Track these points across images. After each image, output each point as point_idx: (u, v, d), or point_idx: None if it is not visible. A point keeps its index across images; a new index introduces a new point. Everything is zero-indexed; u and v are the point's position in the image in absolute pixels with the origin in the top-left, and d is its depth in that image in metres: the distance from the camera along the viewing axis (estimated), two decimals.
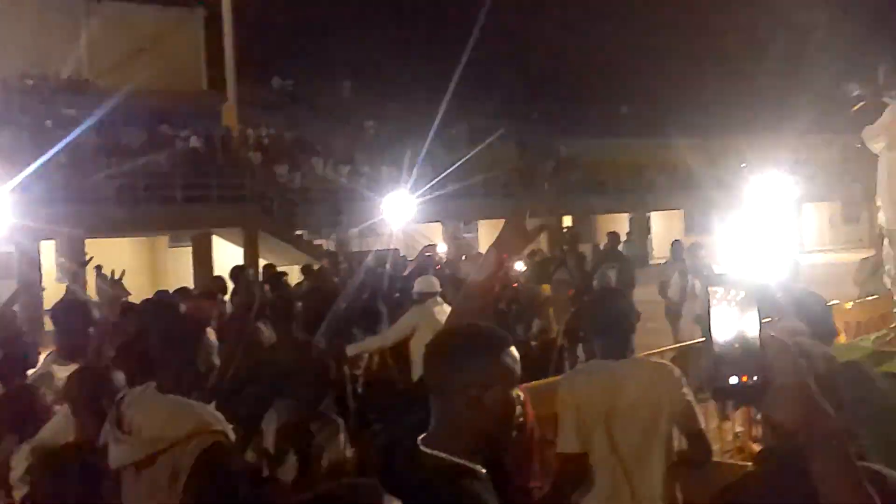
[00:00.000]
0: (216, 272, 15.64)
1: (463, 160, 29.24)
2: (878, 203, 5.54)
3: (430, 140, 29.20)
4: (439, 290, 6.66)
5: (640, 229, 33.41)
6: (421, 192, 23.29)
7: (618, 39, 37.49)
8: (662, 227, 35.48)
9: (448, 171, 27.87)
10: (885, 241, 5.30)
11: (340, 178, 25.10)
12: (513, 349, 1.95)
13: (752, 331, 1.38)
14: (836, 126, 31.01)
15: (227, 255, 20.91)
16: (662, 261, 13.51)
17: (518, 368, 1.94)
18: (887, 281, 5.35)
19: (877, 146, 5.05)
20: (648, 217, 34.70)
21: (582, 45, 37.23)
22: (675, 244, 10.86)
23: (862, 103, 5.30)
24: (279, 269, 10.97)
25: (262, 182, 22.98)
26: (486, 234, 31.94)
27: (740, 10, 36.80)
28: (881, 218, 5.32)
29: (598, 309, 3.66)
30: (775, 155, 28.69)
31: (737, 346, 1.39)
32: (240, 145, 24.71)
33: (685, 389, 3.28)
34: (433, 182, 25.91)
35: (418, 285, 6.75)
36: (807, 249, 34.96)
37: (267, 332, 5.60)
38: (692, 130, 33.00)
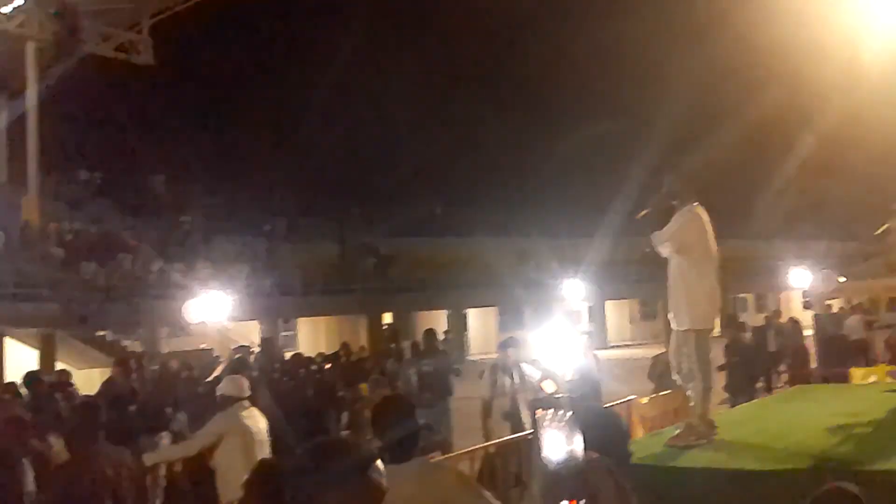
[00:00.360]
0: (7, 378, 14.37)
1: (281, 257, 28.99)
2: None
3: (246, 236, 28.79)
4: (246, 393, 6.28)
5: (458, 326, 34.14)
6: (237, 289, 22.68)
7: (434, 139, 38.97)
8: (479, 323, 36.45)
9: (265, 267, 27.48)
10: (673, 339, 5.68)
11: (150, 276, 24.05)
12: (379, 462, 1.93)
13: (577, 453, 1.43)
14: (636, 229, 33.47)
15: (19, 358, 19.32)
16: (480, 357, 13.88)
17: (385, 482, 1.92)
18: (676, 377, 5.72)
19: (665, 251, 5.43)
20: (465, 314, 35.56)
21: (401, 144, 38.43)
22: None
23: (647, 210, 5.68)
24: (80, 372, 10.26)
25: (64, 280, 21.62)
26: (306, 332, 31.46)
27: (549, 119, 39.40)
28: (669, 317, 5.70)
29: (378, 414, 3.67)
30: (582, 255, 30.44)
31: (565, 467, 1.42)
32: (40, 240, 23.24)
33: (473, 492, 3.26)
34: (250, 279, 25.40)
35: (222, 388, 6.32)
36: (609, 344, 36.99)
37: (57, 447, 5.17)
38: (506, 231, 34.50)
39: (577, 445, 1.46)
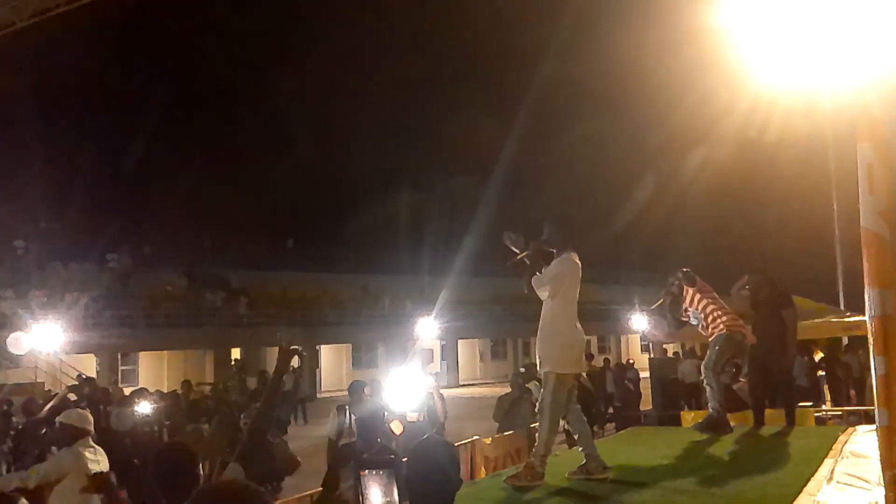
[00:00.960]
0: None
1: (123, 287, 27.67)
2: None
3: (86, 263, 27.32)
4: (90, 427, 5.78)
5: (310, 363, 33.57)
6: (72, 320, 21.45)
7: (288, 171, 38.58)
8: (331, 360, 36.00)
9: (106, 297, 26.13)
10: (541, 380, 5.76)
11: None
12: None
13: None
14: (488, 270, 34.29)
15: None
16: (332, 394, 13.67)
17: None
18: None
19: (543, 294, 5.57)
20: (318, 350, 35.07)
21: (254, 175, 37.76)
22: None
23: (523, 254, 5.84)
24: None
25: None
26: (147, 366, 30.06)
27: (404, 162, 39.86)
28: (536, 356, 5.79)
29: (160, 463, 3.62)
30: (434, 294, 30.77)
31: None
32: None
33: None
34: (88, 309, 24.08)
35: (65, 418, 5.80)
36: (460, 382, 37.47)
37: None
38: (357, 267, 34.44)
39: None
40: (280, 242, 36.35)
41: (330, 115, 38.73)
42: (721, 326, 7.33)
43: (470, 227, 30.09)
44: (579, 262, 5.63)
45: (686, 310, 7.60)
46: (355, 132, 36.71)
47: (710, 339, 7.47)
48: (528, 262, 5.90)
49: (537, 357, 5.65)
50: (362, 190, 39.86)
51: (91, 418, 5.99)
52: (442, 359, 39.26)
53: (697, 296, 7.44)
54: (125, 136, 35.18)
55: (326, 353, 35.97)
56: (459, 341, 39.82)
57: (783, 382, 8.63)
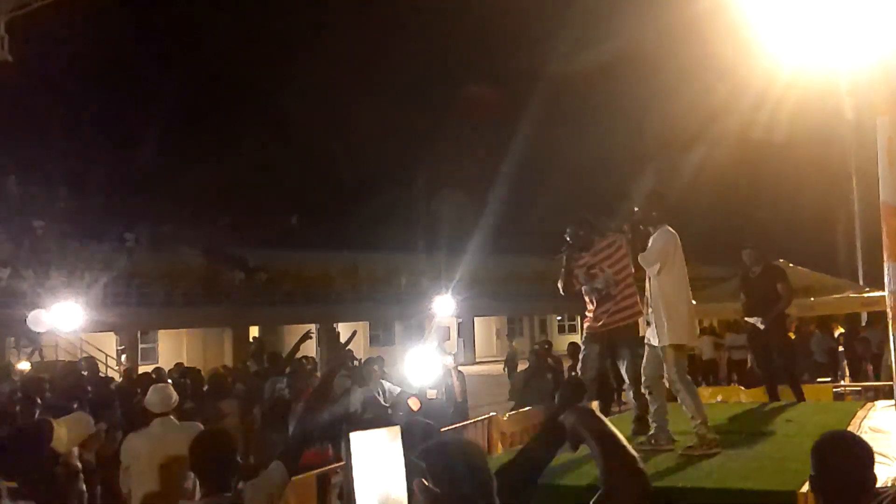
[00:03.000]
0: None
1: (142, 266, 27.84)
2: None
3: (105, 243, 27.50)
4: (173, 406, 5.54)
5: (328, 340, 33.73)
6: (92, 299, 21.65)
7: (306, 148, 38.59)
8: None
9: (125, 276, 26.33)
10: (648, 354, 5.81)
11: (0, 282, 22.63)
12: None
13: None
14: (503, 247, 34.25)
15: None
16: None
17: None
18: (646, 391, 5.86)
19: (653, 270, 5.62)
20: (336, 329, 35.21)
21: (271, 154, 37.79)
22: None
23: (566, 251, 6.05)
24: None
25: None
26: (167, 344, 30.35)
27: (423, 139, 39.75)
28: (648, 333, 5.81)
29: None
30: (451, 272, 30.81)
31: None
32: None
33: None
34: (107, 288, 24.28)
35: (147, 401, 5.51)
36: (476, 360, 37.59)
37: None
38: (375, 246, 34.47)
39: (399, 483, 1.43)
40: (299, 220, 36.41)
41: (346, 92, 38.62)
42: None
43: (486, 205, 30.08)
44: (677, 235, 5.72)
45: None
46: (373, 109, 36.61)
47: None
48: (566, 257, 6.30)
49: (651, 333, 5.66)
50: (379, 167, 39.82)
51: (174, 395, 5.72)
52: (458, 336, 39.38)
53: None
54: (143, 116, 35.29)
55: (344, 331, 36.13)
56: (476, 319, 39.91)
57: (785, 359, 8.63)
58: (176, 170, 33.53)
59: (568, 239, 6.38)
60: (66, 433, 3.75)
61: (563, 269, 6.46)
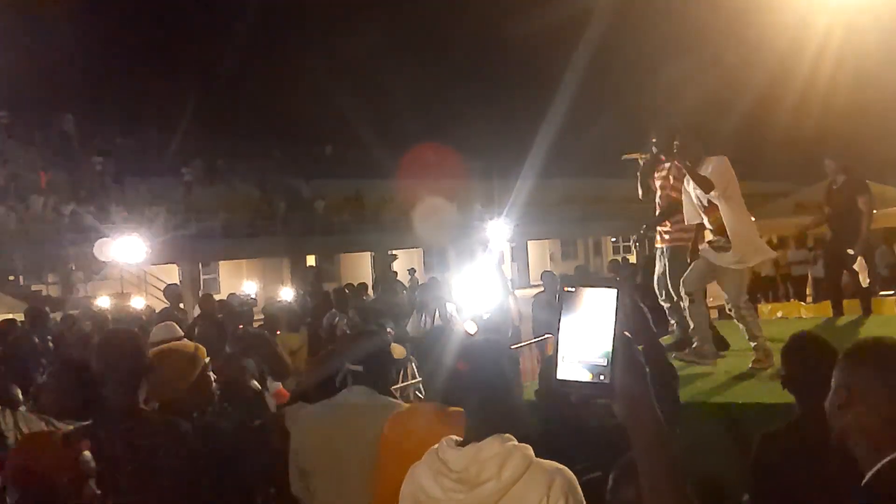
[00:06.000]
0: None
1: (199, 199, 28.36)
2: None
3: (163, 178, 28.01)
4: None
5: (383, 267, 34.13)
6: (154, 232, 22.15)
7: (358, 77, 38.40)
8: (404, 264, 36.52)
9: (183, 209, 26.87)
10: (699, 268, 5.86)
11: (63, 218, 23.27)
12: None
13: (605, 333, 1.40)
14: (554, 170, 33.92)
15: None
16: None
17: None
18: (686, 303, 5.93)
19: (715, 195, 5.62)
20: (391, 255, 35.58)
21: (325, 84, 37.70)
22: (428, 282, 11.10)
23: (637, 154, 6.02)
24: None
25: None
26: (227, 275, 31.04)
27: (473, 61, 39.18)
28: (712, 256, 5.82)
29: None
30: (503, 197, 30.71)
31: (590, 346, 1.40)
32: None
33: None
34: (167, 222, 24.81)
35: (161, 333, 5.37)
36: (531, 283, 37.69)
37: None
38: (427, 172, 34.42)
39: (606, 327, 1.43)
40: (353, 149, 36.47)
41: (400, 14, 38.11)
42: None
43: (540, 128, 29.67)
44: None
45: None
46: (424, 33, 36.13)
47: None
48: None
49: (712, 256, 5.67)
50: (430, 95, 39.46)
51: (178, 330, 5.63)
52: (512, 260, 39.46)
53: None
54: (195, 52, 35.42)
55: (401, 257, 36.49)
56: (529, 242, 39.86)
57: (850, 271, 8.54)
58: (228, 103, 33.75)
59: (654, 142, 6.36)
60: None
61: (640, 172, 6.53)
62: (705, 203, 5.68)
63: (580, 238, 43.14)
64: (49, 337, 8.71)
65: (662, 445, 1.42)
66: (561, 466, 2.27)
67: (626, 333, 1.41)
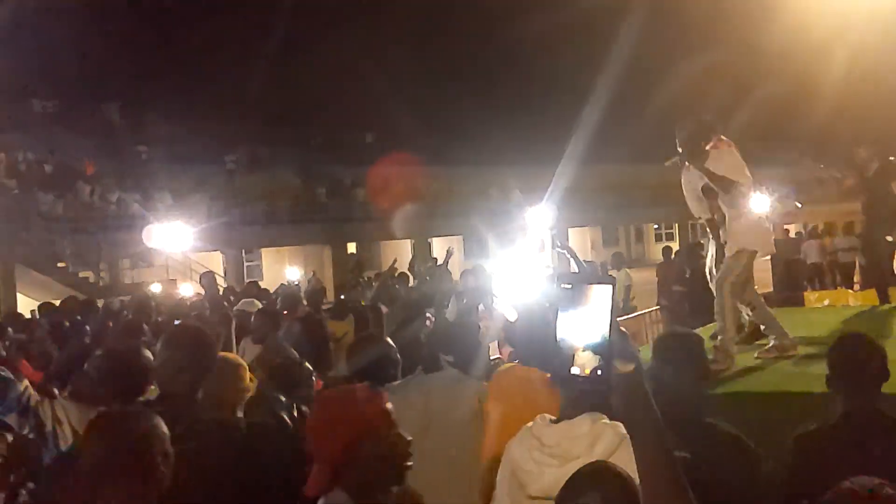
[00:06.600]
0: None
1: (242, 186, 28.67)
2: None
3: (206, 166, 28.36)
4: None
5: (423, 254, 34.21)
6: (198, 219, 22.44)
7: (397, 68, 38.39)
8: (442, 252, 36.56)
9: (227, 197, 27.19)
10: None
11: (109, 206, 23.70)
12: None
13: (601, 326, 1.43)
14: (594, 157, 33.63)
15: None
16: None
17: None
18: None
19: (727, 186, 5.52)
20: (430, 243, 35.64)
21: (363, 72, 37.78)
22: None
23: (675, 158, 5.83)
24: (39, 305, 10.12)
25: (18, 210, 21.22)
26: (270, 262, 31.37)
27: (508, 50, 38.95)
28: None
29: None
30: (543, 184, 30.52)
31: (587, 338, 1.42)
32: None
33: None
34: (211, 209, 25.13)
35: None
36: (571, 271, 37.43)
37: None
38: (467, 159, 34.40)
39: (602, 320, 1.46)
40: (392, 136, 36.56)
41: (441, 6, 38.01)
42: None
43: (580, 114, 29.42)
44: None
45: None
46: (469, 20, 35.97)
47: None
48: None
49: (729, 244, 5.57)
50: (470, 82, 39.38)
51: None
52: (552, 247, 39.23)
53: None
54: (238, 42, 35.73)
55: (438, 245, 36.54)
56: (570, 229, 39.61)
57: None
58: (272, 93, 33.99)
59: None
60: None
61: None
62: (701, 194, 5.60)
63: (621, 225, 42.78)
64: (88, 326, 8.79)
65: (659, 437, 1.43)
66: None
67: (623, 328, 1.44)
